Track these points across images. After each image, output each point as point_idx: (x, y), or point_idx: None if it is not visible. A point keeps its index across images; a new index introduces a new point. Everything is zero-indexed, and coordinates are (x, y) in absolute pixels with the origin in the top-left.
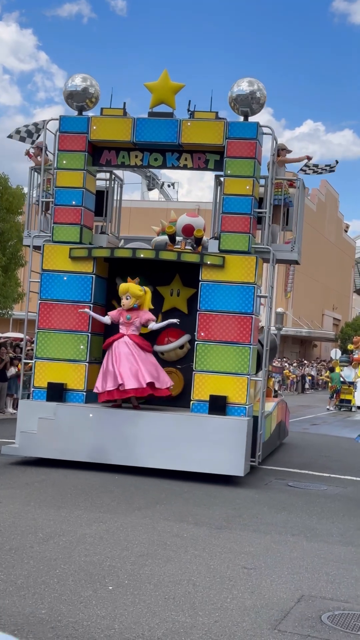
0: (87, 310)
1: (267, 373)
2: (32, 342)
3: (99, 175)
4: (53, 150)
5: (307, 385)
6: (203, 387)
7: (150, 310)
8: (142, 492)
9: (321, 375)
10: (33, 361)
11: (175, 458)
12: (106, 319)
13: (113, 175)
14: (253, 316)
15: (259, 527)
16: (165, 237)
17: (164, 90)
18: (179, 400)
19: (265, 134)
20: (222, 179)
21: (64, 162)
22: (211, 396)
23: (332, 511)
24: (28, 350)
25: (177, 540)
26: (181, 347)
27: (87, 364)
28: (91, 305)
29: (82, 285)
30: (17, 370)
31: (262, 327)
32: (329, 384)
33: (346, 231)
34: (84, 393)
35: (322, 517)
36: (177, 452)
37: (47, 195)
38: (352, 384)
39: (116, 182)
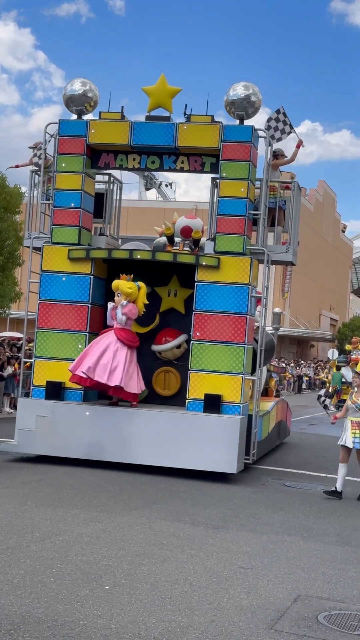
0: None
1: (269, 373)
2: (29, 342)
3: (98, 177)
4: (52, 153)
5: (304, 386)
6: (198, 386)
7: (145, 304)
8: (138, 492)
9: (318, 376)
10: (32, 360)
11: (170, 455)
12: (108, 319)
13: (112, 178)
14: (247, 316)
15: (256, 527)
16: (165, 239)
17: (161, 94)
18: (176, 399)
19: (261, 137)
20: (217, 181)
21: (63, 164)
22: (206, 395)
23: (329, 511)
24: (26, 349)
25: (174, 539)
26: (178, 346)
27: None
28: (89, 305)
29: (80, 286)
30: (13, 369)
31: (257, 327)
32: (328, 384)
33: (344, 231)
34: (82, 392)
35: (319, 517)
36: (171, 450)
37: (47, 196)
38: (351, 384)
39: (115, 184)
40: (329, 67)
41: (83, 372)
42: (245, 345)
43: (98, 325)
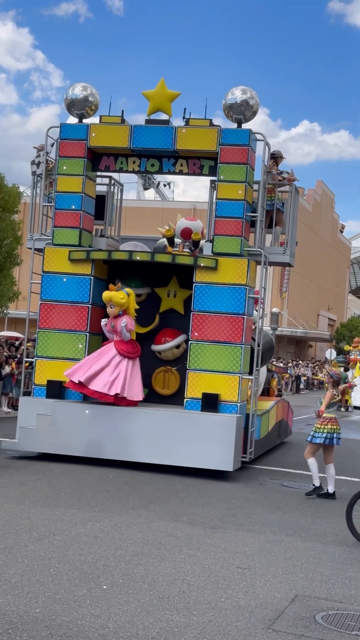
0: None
1: (271, 373)
2: (28, 341)
3: (100, 180)
4: (54, 156)
5: (302, 386)
6: (196, 385)
7: (135, 310)
8: (136, 492)
9: (316, 376)
10: (33, 360)
11: (167, 453)
12: (107, 333)
13: (112, 180)
14: (245, 317)
15: (254, 527)
16: (166, 240)
17: (160, 98)
18: (175, 398)
19: (258, 140)
20: (216, 183)
21: (64, 167)
22: (204, 394)
23: (327, 511)
24: (24, 349)
25: (172, 539)
26: (177, 346)
27: None
28: (89, 306)
29: (81, 287)
30: (11, 368)
31: (255, 327)
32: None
33: (342, 232)
34: None
35: (317, 517)
36: (169, 448)
37: (49, 198)
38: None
39: (116, 187)
40: (327, 68)
41: (80, 381)
42: (243, 345)
43: (98, 326)
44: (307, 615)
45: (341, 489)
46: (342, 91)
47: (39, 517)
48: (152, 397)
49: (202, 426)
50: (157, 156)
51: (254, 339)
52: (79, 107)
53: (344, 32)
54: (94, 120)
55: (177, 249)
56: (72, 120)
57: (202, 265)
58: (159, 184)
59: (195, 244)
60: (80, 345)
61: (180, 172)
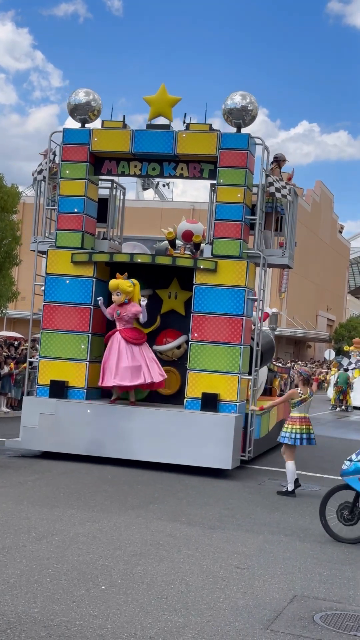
0: (100, 300)
1: (273, 373)
2: (27, 342)
3: (102, 183)
4: (57, 160)
5: None
6: (196, 385)
7: (147, 306)
8: (135, 492)
9: (315, 376)
10: (33, 360)
11: (167, 452)
12: (108, 315)
13: (115, 184)
14: (244, 318)
15: (252, 527)
16: (167, 242)
17: (161, 103)
18: (176, 398)
19: (257, 144)
20: (215, 187)
21: (67, 172)
22: (203, 394)
23: None
24: (23, 349)
25: (170, 539)
26: (178, 347)
27: (87, 362)
28: (92, 307)
29: (83, 288)
30: (10, 368)
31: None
32: (327, 384)
33: (340, 232)
34: (85, 390)
35: (315, 517)
36: (169, 446)
37: (53, 202)
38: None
39: (118, 190)
40: (327, 68)
41: (117, 383)
42: (242, 346)
43: (100, 326)
44: (306, 616)
45: None
46: (341, 92)
47: (38, 517)
48: (153, 397)
49: (201, 425)
50: (158, 160)
51: (254, 340)
52: (82, 112)
53: (343, 32)
54: (96, 125)
55: (179, 251)
56: (72, 122)
57: (201, 267)
58: (157, 184)
59: (197, 246)
60: (82, 346)
61: (181, 176)
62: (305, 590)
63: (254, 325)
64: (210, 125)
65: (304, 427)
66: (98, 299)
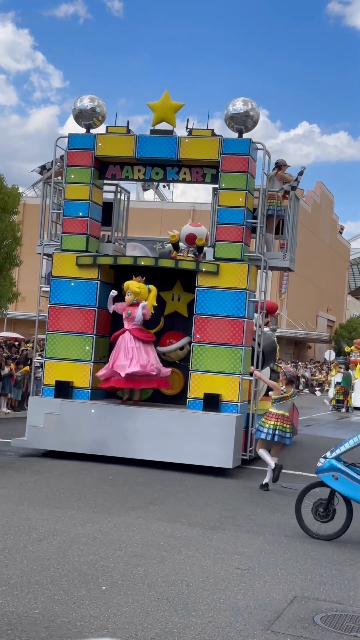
0: (113, 293)
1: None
2: (27, 342)
3: (107, 187)
4: (62, 165)
5: (301, 387)
6: (198, 386)
7: (153, 307)
8: (135, 493)
9: (315, 376)
10: (37, 360)
11: (169, 451)
12: (110, 309)
13: (119, 188)
14: (245, 319)
15: (253, 528)
16: (171, 245)
17: (164, 109)
18: (179, 398)
19: (259, 149)
20: (217, 191)
21: (72, 176)
22: (205, 394)
23: None
24: (23, 350)
25: (171, 540)
26: (181, 348)
27: (92, 363)
28: (96, 309)
29: (88, 291)
30: (10, 369)
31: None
32: (328, 385)
33: (341, 233)
34: (89, 390)
35: None
36: (171, 446)
37: (58, 205)
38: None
39: (122, 194)
40: (327, 69)
41: (127, 375)
42: (243, 347)
43: (105, 328)
44: (306, 617)
45: None
46: (341, 92)
47: (38, 518)
48: (156, 397)
49: (203, 425)
50: (161, 165)
51: (258, 343)
52: (87, 117)
53: (343, 33)
54: (100, 130)
55: (182, 254)
56: (73, 123)
57: (204, 270)
58: (158, 185)
59: (200, 249)
60: (87, 347)
61: (184, 180)
62: (305, 591)
63: (261, 326)
64: (213, 130)
65: (279, 423)
66: (112, 292)
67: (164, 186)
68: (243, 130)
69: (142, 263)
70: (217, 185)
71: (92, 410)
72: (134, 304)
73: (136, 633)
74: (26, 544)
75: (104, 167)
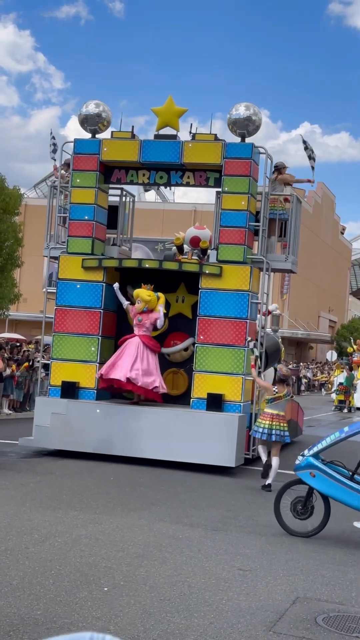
0: (116, 285)
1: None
2: (29, 343)
3: (112, 191)
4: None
5: (302, 387)
6: (202, 386)
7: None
8: (137, 494)
9: (316, 377)
10: (38, 362)
11: (173, 450)
12: (125, 303)
13: (124, 191)
14: (247, 321)
15: (255, 529)
16: (175, 248)
17: (168, 114)
18: (184, 398)
19: (261, 153)
20: (220, 194)
21: (78, 180)
22: (209, 394)
23: None
24: (24, 351)
25: (173, 541)
26: (185, 349)
27: (98, 364)
28: (101, 311)
29: (93, 293)
30: (12, 370)
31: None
32: (330, 385)
33: (342, 233)
34: (95, 391)
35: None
36: (175, 445)
37: (64, 209)
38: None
39: (127, 197)
40: (328, 69)
41: (128, 378)
42: (246, 348)
43: (110, 329)
44: (308, 617)
45: None
46: (342, 93)
47: (40, 519)
48: (161, 397)
49: (206, 424)
50: (165, 169)
51: (261, 344)
52: (92, 123)
53: (344, 34)
54: (105, 135)
55: (186, 257)
56: (73, 123)
57: (207, 272)
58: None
59: (204, 251)
60: (93, 348)
61: (187, 184)
62: (307, 592)
63: (263, 327)
64: (216, 135)
65: (274, 423)
66: (116, 285)
67: (165, 187)
68: (245, 134)
69: (147, 266)
70: (220, 189)
71: (98, 410)
72: (145, 312)
73: (138, 634)
74: (28, 545)
75: (109, 172)
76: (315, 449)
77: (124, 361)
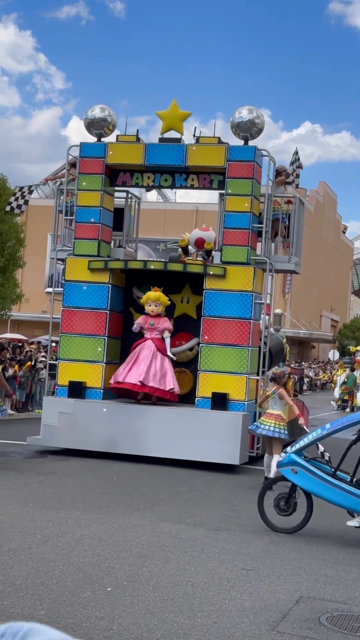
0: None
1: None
2: (31, 344)
3: (118, 194)
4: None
5: (305, 387)
6: (206, 385)
7: (151, 315)
8: (140, 494)
9: (318, 376)
10: (40, 362)
11: (178, 448)
12: (135, 328)
13: (130, 194)
14: (251, 321)
15: (258, 529)
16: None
17: (173, 118)
18: (189, 397)
19: (264, 156)
20: (224, 196)
21: (84, 184)
22: (213, 393)
23: (330, 513)
24: (27, 351)
25: (176, 541)
26: (191, 349)
27: (104, 364)
28: (108, 312)
29: (99, 294)
30: (14, 371)
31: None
32: (333, 385)
33: (344, 232)
34: (101, 390)
35: (321, 518)
36: (180, 443)
37: (66, 209)
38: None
39: (133, 200)
40: (329, 69)
41: (140, 382)
42: (250, 348)
43: (116, 330)
44: (312, 617)
45: None
46: (343, 92)
47: (43, 519)
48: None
49: (211, 423)
50: (170, 172)
51: (265, 343)
52: (98, 127)
53: (345, 33)
54: (111, 139)
55: (191, 258)
56: (74, 124)
57: (211, 273)
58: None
59: (208, 252)
60: (99, 349)
61: (192, 187)
62: (311, 591)
63: (267, 327)
64: (219, 138)
65: (272, 421)
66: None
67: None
68: (248, 137)
69: (152, 267)
70: (223, 191)
71: (104, 410)
72: (159, 316)
73: (142, 634)
74: (31, 546)
75: (114, 175)
76: (297, 446)
77: (140, 365)
